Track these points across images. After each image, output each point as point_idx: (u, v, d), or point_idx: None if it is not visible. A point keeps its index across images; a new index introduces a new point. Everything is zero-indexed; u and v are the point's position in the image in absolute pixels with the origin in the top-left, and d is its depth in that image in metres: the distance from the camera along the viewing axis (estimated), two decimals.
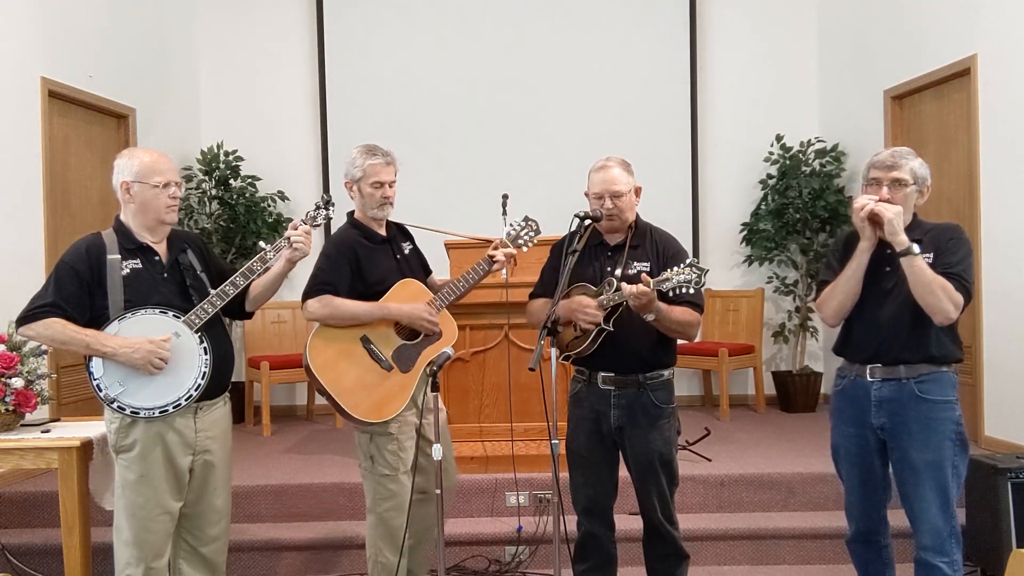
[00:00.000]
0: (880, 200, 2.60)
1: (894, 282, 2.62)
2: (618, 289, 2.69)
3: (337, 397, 2.91)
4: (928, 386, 2.62)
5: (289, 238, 2.76)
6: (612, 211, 2.84)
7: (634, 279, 2.74)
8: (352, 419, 2.94)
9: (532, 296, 3.07)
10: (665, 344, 2.88)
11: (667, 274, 2.63)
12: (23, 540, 3.81)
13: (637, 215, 2.96)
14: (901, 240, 2.54)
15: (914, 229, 2.65)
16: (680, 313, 2.74)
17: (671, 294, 2.63)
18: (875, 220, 2.59)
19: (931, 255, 2.60)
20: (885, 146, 5.47)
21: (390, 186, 3.04)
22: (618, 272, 2.81)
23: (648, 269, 2.82)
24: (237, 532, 3.76)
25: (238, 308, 2.90)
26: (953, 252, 2.60)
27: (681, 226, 6.10)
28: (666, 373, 2.90)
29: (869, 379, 2.68)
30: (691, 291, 2.62)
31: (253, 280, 2.77)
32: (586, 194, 2.94)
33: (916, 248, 2.54)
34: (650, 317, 2.69)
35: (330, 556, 3.80)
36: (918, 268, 2.52)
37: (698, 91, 6.32)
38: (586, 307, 2.74)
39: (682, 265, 2.63)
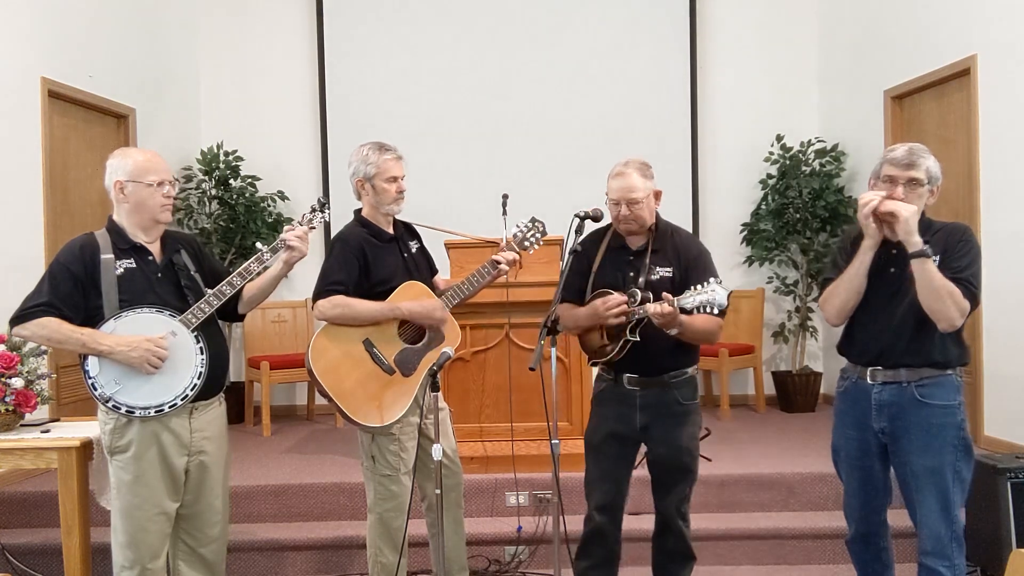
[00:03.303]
0: (895, 199, 2.51)
1: (899, 284, 2.56)
2: (642, 304, 2.70)
3: (338, 400, 2.90)
4: (930, 390, 2.57)
5: (285, 239, 2.75)
6: (628, 218, 2.83)
7: (656, 285, 2.75)
8: (353, 422, 2.93)
9: (559, 302, 2.97)
10: (687, 347, 2.89)
11: (689, 293, 2.59)
12: (23, 540, 3.81)
13: (658, 215, 2.95)
14: (915, 241, 2.46)
15: (924, 229, 2.55)
16: (703, 322, 2.73)
17: (694, 312, 2.61)
18: (884, 218, 2.52)
19: (937, 256, 2.52)
20: (885, 146, 5.47)
21: (402, 180, 3.07)
22: (641, 280, 2.81)
23: (670, 274, 2.83)
24: (237, 532, 3.76)
25: (231, 310, 2.88)
26: (962, 256, 2.53)
27: (681, 226, 6.09)
28: (690, 370, 2.91)
29: (870, 382, 2.65)
30: (714, 312, 2.56)
31: (249, 281, 2.76)
32: (607, 200, 2.91)
33: (929, 251, 2.46)
34: (673, 331, 2.69)
35: (331, 556, 3.80)
36: (928, 272, 2.45)
37: (698, 91, 6.32)
38: (610, 306, 2.72)
39: (705, 284, 2.58)
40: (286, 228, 2.81)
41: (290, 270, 2.84)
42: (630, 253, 2.92)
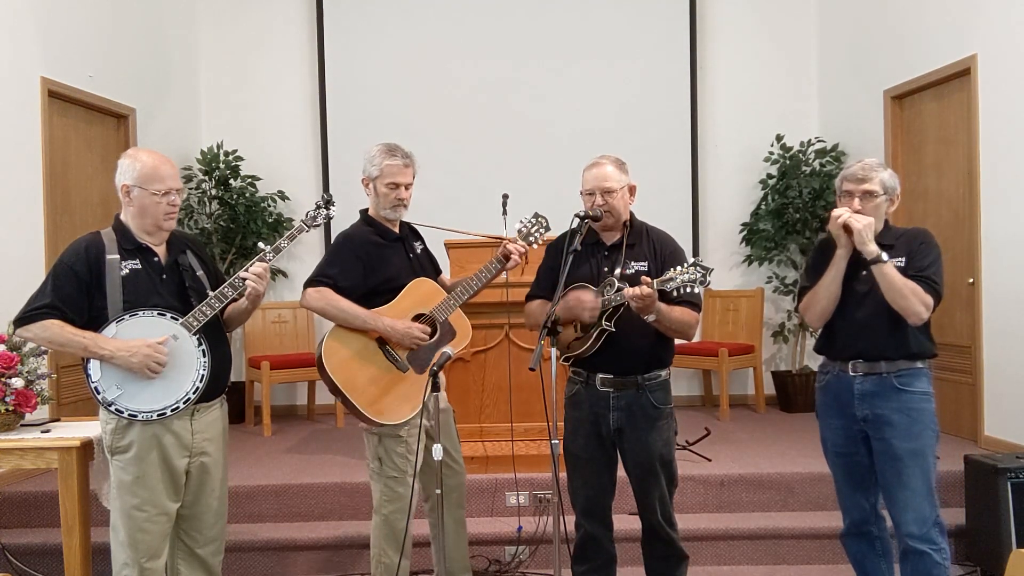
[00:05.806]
0: (853, 211, 2.72)
1: (870, 285, 2.72)
2: (619, 290, 2.70)
3: (352, 397, 2.89)
4: (907, 379, 2.74)
5: (244, 277, 2.66)
6: (603, 207, 2.84)
7: (632, 278, 2.74)
8: (367, 420, 2.92)
9: (529, 297, 3.06)
10: (664, 343, 2.89)
11: (671, 274, 2.64)
12: (23, 540, 3.81)
13: (632, 214, 2.96)
14: (871, 250, 2.66)
15: (886, 235, 2.78)
16: (680, 313, 2.76)
17: (675, 293, 2.64)
18: (848, 229, 2.71)
19: (903, 259, 2.73)
20: (885, 146, 5.49)
21: (406, 188, 3.04)
22: (617, 271, 2.81)
23: (645, 268, 2.83)
24: (239, 532, 3.77)
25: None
26: (924, 256, 2.74)
27: (681, 226, 6.11)
28: (663, 374, 2.90)
29: (852, 374, 2.78)
30: (696, 290, 2.64)
31: (239, 295, 2.71)
32: (581, 193, 2.94)
33: (884, 256, 2.66)
34: (651, 318, 2.69)
35: (332, 556, 3.80)
36: (888, 274, 2.65)
37: (698, 91, 6.33)
38: (586, 303, 2.75)
39: (686, 264, 2.65)
40: (249, 264, 2.72)
41: (256, 305, 2.79)
42: (605, 248, 2.93)
